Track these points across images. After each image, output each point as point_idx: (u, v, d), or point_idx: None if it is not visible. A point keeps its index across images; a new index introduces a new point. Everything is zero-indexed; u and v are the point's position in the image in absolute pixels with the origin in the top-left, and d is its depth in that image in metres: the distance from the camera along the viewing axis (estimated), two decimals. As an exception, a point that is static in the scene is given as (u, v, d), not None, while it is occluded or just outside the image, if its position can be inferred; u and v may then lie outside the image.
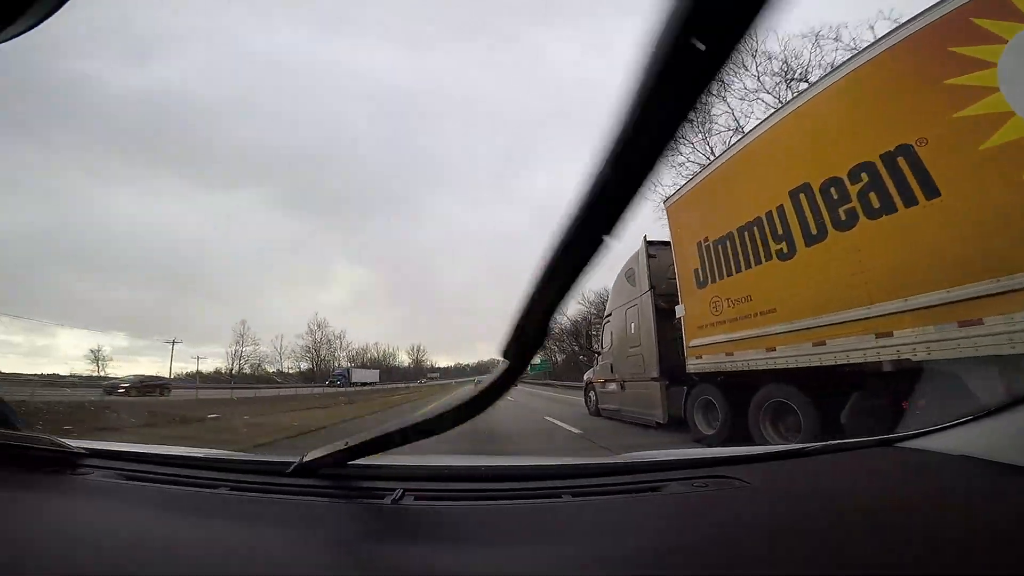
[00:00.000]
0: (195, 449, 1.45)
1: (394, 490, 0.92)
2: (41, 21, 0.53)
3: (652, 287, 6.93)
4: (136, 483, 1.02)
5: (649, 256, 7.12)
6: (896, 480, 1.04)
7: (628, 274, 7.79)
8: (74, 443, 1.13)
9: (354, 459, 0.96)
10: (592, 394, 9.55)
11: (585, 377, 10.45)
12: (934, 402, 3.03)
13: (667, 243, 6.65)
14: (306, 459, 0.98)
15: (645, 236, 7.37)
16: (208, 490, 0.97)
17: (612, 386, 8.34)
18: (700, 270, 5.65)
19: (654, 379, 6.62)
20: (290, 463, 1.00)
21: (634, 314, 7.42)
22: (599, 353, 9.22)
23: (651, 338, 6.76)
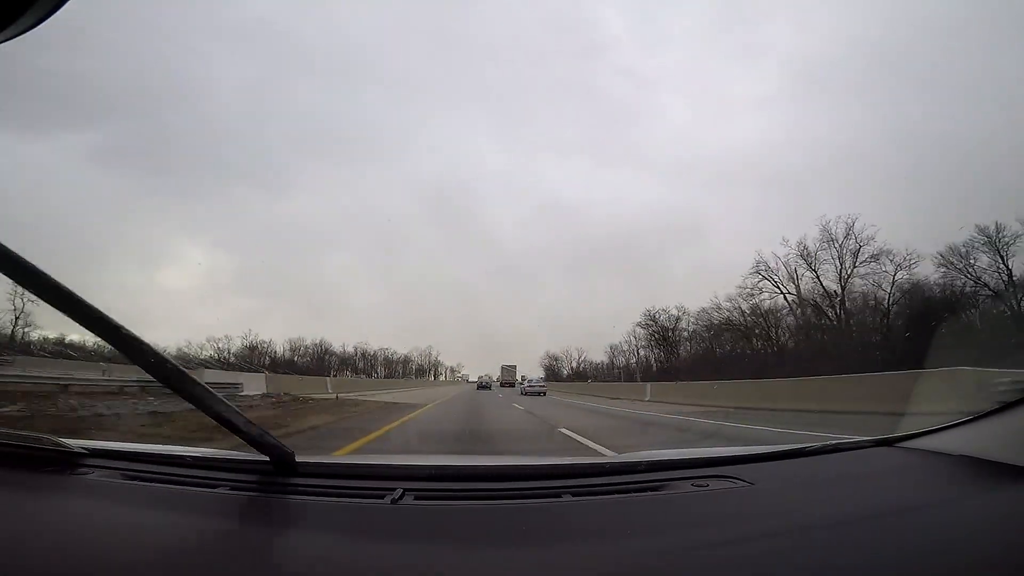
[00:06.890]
0: (195, 448, 1.45)
1: (394, 490, 0.92)
2: (41, 21, 0.53)
3: None
4: (136, 483, 1.01)
5: None
6: (896, 480, 1.04)
7: None
8: (74, 443, 1.13)
9: (352, 457, 0.97)
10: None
11: None
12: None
13: None
14: (305, 458, 0.98)
15: None
16: (208, 490, 0.97)
17: None
18: None
19: None
20: (290, 462, 1.00)
21: None
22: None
23: None
